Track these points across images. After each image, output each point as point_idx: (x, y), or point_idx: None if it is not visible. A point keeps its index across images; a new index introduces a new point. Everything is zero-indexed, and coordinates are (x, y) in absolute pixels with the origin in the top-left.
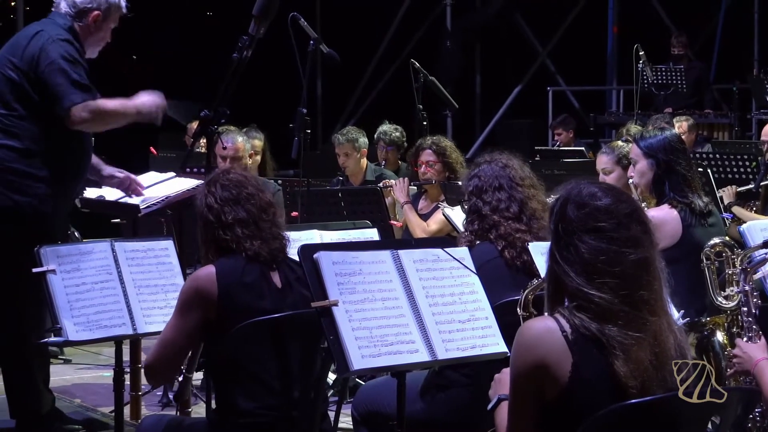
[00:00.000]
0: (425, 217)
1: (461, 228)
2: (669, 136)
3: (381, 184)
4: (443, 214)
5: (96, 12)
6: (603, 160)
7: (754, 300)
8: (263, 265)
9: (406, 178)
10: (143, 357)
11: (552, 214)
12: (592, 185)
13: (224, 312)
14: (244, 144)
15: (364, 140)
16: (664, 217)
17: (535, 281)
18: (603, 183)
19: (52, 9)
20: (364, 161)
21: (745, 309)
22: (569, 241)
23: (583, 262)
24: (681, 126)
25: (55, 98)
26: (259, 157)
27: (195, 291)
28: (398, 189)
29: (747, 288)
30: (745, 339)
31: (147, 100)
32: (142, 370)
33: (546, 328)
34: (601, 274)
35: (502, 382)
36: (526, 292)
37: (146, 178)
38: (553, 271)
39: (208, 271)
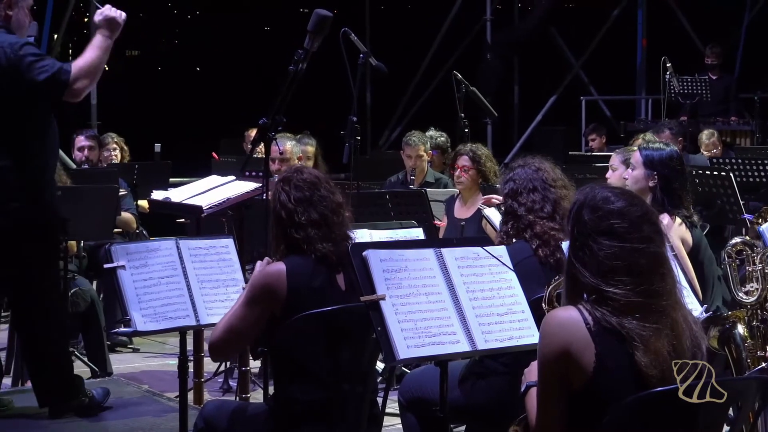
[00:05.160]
0: (466, 221)
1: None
2: (672, 154)
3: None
4: (483, 215)
5: None
6: (613, 158)
7: None
8: (330, 268)
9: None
10: (205, 347)
11: (569, 219)
12: (606, 190)
13: (290, 311)
14: (292, 147)
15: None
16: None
17: (558, 278)
18: (616, 187)
19: None
20: (426, 164)
21: None
22: (584, 243)
23: (599, 262)
24: (712, 139)
25: (53, 92)
26: (311, 162)
27: (265, 287)
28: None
29: None
30: None
31: (105, 20)
32: (206, 348)
33: (570, 317)
34: (617, 272)
35: (532, 371)
36: (550, 288)
37: (208, 182)
38: (570, 272)
39: (279, 269)
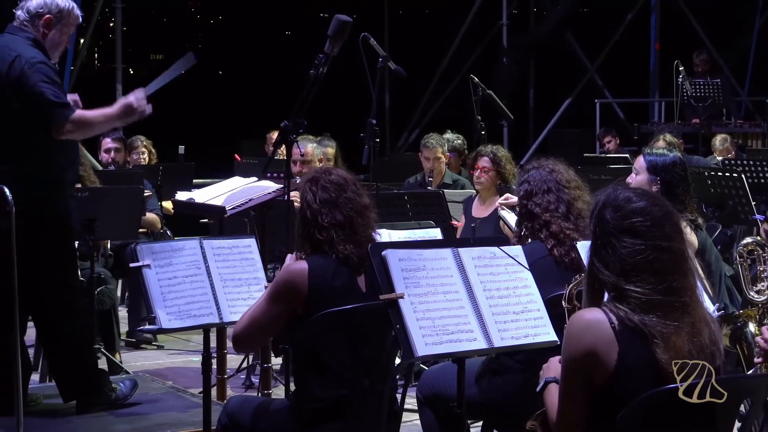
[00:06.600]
0: (483, 220)
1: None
2: (675, 159)
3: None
4: (499, 216)
5: (47, 16)
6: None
7: None
8: (352, 269)
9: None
10: (229, 344)
11: (591, 218)
12: (628, 191)
13: (310, 309)
14: (313, 150)
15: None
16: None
17: (578, 277)
18: (638, 189)
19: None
20: (444, 166)
21: None
22: (607, 242)
23: (621, 261)
24: (725, 144)
25: (43, 116)
26: (331, 164)
27: (287, 284)
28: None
29: None
30: None
31: (125, 105)
32: (230, 345)
33: (596, 319)
34: (638, 270)
35: (550, 368)
36: (570, 286)
37: (231, 183)
38: (592, 272)
39: (302, 267)
